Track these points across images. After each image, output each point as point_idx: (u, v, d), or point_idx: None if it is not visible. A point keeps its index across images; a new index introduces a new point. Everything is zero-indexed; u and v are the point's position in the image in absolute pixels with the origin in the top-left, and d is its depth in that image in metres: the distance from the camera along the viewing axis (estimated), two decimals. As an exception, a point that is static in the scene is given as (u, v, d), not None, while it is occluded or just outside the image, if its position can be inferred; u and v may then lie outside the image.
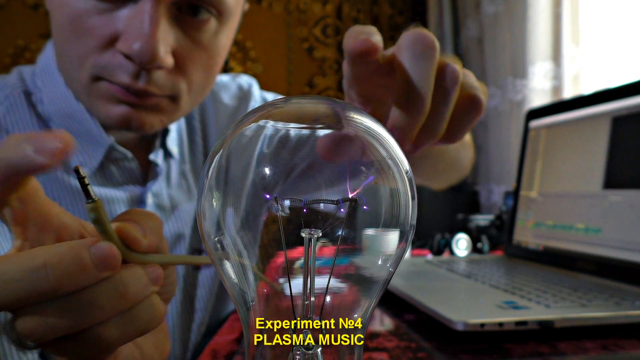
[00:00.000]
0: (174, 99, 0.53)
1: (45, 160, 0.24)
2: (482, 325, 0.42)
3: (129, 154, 0.58)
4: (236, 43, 3.00)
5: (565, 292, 0.52)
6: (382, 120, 0.30)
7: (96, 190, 0.57)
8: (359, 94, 0.38)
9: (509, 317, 0.43)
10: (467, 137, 0.68)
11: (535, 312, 0.45)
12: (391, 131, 0.28)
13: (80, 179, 0.24)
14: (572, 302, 0.48)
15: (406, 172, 0.23)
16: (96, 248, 0.25)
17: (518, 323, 0.43)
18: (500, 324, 0.42)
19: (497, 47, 1.93)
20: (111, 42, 0.48)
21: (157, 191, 0.61)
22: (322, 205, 0.22)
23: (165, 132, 0.62)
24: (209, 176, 0.23)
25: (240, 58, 3.02)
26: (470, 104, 0.37)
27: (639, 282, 0.55)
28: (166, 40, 0.48)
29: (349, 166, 0.22)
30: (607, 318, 0.44)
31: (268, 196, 0.22)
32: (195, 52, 0.52)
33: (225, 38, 0.55)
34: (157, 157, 0.61)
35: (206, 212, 0.23)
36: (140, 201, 0.60)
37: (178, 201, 0.64)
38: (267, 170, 0.22)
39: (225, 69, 2.50)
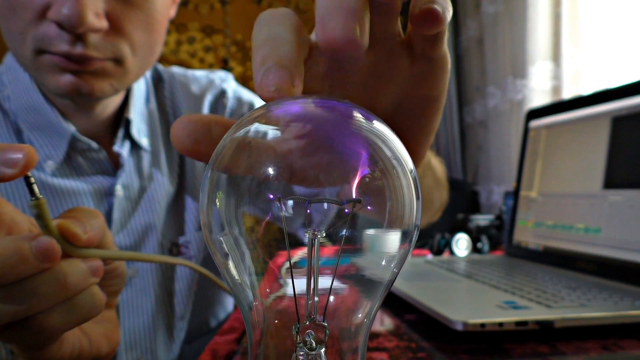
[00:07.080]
0: (118, 61, 0.54)
1: (9, 172, 0.25)
2: (483, 325, 0.42)
3: (94, 144, 0.60)
4: (236, 43, 3.00)
5: (565, 292, 0.52)
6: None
7: (62, 182, 0.58)
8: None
9: (509, 317, 0.43)
10: (443, 176, 0.65)
11: (535, 312, 0.45)
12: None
13: (26, 178, 0.26)
14: (572, 302, 0.48)
15: (410, 172, 0.23)
16: (37, 242, 0.27)
17: (518, 323, 0.43)
18: (501, 324, 0.42)
19: (497, 47, 1.93)
20: (44, 13, 0.50)
21: (127, 183, 0.62)
22: (325, 205, 0.22)
23: (127, 122, 0.63)
24: (211, 176, 0.23)
25: (240, 58, 3.01)
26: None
27: (638, 282, 0.55)
28: (94, 3, 0.49)
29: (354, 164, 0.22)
30: (607, 318, 0.44)
31: (271, 196, 0.22)
32: (130, 12, 0.53)
33: None
34: (121, 148, 0.62)
35: (208, 212, 0.23)
36: (109, 192, 0.61)
37: (150, 192, 0.65)
38: (269, 170, 0.22)
39: (226, 69, 2.50)
